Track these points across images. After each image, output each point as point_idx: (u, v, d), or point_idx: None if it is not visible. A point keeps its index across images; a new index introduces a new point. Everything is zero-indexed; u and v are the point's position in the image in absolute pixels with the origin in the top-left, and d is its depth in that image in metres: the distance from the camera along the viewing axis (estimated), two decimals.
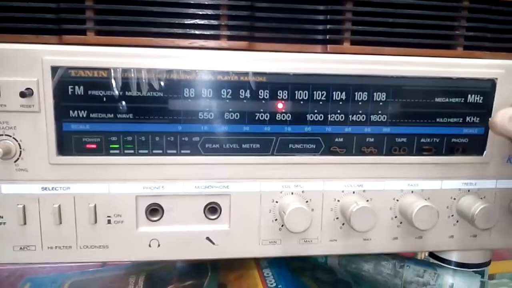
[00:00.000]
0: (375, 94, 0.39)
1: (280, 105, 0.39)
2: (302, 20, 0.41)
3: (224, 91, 0.38)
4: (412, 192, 0.43)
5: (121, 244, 0.40)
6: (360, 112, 0.40)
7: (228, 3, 0.40)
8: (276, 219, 0.41)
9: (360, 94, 0.39)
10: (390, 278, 0.50)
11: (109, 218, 0.39)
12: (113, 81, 0.36)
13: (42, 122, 0.36)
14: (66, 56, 0.36)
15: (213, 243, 0.41)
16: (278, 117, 0.39)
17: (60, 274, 0.50)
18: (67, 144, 0.37)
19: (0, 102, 0.35)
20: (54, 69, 0.35)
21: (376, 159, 0.41)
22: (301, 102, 0.39)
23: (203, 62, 0.37)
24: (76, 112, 0.37)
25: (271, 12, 0.40)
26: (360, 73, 0.39)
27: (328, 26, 0.41)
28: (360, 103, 0.39)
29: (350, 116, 0.40)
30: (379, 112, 0.40)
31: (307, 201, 0.41)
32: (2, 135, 0.36)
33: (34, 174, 0.37)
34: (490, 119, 0.40)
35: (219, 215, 0.41)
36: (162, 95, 0.37)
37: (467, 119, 0.41)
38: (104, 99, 0.37)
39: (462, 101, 0.41)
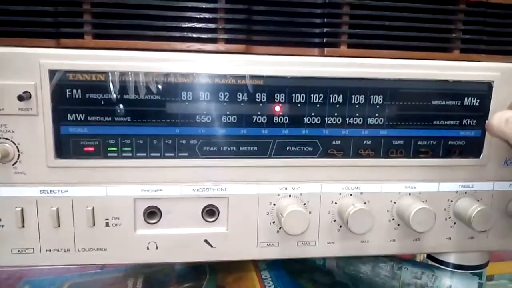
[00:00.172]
0: (372, 97, 0.40)
1: (277, 108, 0.39)
2: (299, 24, 0.41)
3: (221, 94, 0.38)
4: (409, 194, 0.43)
5: (119, 247, 0.40)
6: (357, 114, 0.40)
7: (225, 7, 0.40)
8: (274, 222, 0.41)
9: (357, 97, 0.39)
10: (388, 280, 0.50)
11: (107, 221, 0.39)
12: (110, 84, 0.36)
13: (40, 125, 0.36)
14: (64, 59, 0.36)
15: (211, 246, 0.41)
16: (276, 120, 0.39)
17: (59, 276, 0.50)
18: (65, 147, 0.37)
19: None
20: (52, 73, 0.36)
21: (373, 161, 0.41)
22: (299, 105, 0.39)
23: (201, 66, 0.37)
24: (74, 115, 0.37)
25: (268, 15, 0.41)
26: (357, 76, 0.39)
27: (325, 29, 0.41)
28: (357, 105, 0.40)
29: (347, 119, 0.40)
30: (376, 114, 0.40)
31: (304, 204, 0.41)
32: (0, 138, 0.36)
33: (32, 177, 0.37)
34: (486, 121, 0.40)
35: (217, 218, 0.41)
36: (159, 98, 0.37)
37: (464, 121, 0.41)
38: (102, 102, 0.37)
39: (458, 103, 0.41)
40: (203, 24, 0.40)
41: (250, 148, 0.39)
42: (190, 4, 0.40)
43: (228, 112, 0.38)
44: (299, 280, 0.50)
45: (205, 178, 0.40)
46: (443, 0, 0.43)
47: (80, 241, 0.39)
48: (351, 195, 0.42)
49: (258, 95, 0.38)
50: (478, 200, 0.43)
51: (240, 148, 0.39)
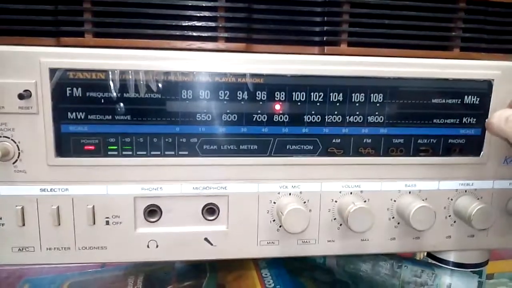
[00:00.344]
0: (372, 95, 0.40)
1: (277, 107, 0.39)
2: (300, 22, 0.41)
3: (221, 93, 0.38)
4: (409, 192, 0.43)
5: (119, 245, 0.40)
6: (357, 113, 0.40)
7: (226, 5, 0.40)
8: (274, 220, 0.42)
9: (357, 95, 0.39)
10: (388, 278, 0.50)
11: (107, 219, 0.39)
12: (111, 83, 0.36)
13: (40, 124, 0.36)
14: (64, 58, 0.36)
15: (211, 244, 0.41)
16: (276, 119, 0.39)
17: (59, 275, 0.50)
18: (65, 145, 0.37)
19: None
20: (52, 71, 0.36)
21: (373, 160, 0.41)
22: (299, 104, 0.39)
23: (201, 64, 0.37)
24: (74, 113, 0.37)
25: (269, 14, 0.41)
26: (357, 75, 0.39)
27: (325, 28, 0.41)
28: (357, 104, 0.40)
29: (348, 117, 0.40)
30: (376, 113, 0.40)
31: (304, 202, 0.41)
32: (1, 136, 0.36)
33: (32, 175, 0.37)
34: (486, 120, 0.40)
35: (217, 216, 0.41)
36: (160, 96, 0.37)
37: (464, 120, 0.41)
38: (102, 100, 0.37)
39: (458, 102, 0.41)
40: (204, 23, 0.40)
41: (250, 147, 0.39)
42: (190, 3, 0.39)
43: (228, 111, 0.38)
44: (299, 278, 0.51)
45: (205, 176, 0.40)
46: None
47: (80, 240, 0.39)
48: (351, 193, 0.42)
49: (258, 94, 0.38)
50: (478, 199, 0.43)
51: (240, 146, 0.39)
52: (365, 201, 0.42)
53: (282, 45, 0.41)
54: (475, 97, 0.41)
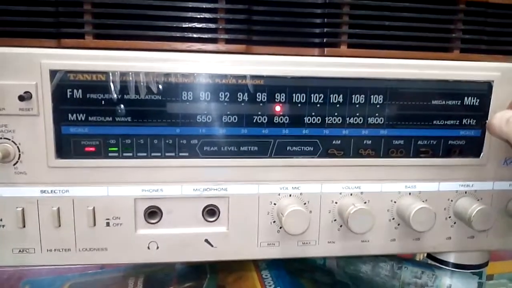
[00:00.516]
0: (372, 96, 0.40)
1: (277, 108, 0.39)
2: (300, 24, 0.41)
3: (222, 94, 0.38)
4: (409, 194, 0.43)
5: (120, 247, 0.40)
6: (358, 114, 0.40)
7: (226, 7, 0.40)
8: (274, 221, 0.42)
9: (357, 97, 0.39)
10: (388, 280, 0.50)
11: (108, 221, 0.39)
12: (111, 85, 0.36)
13: (41, 125, 0.36)
14: (64, 59, 0.36)
15: (211, 245, 0.41)
16: (276, 120, 0.39)
17: (59, 276, 0.50)
18: (66, 147, 0.37)
19: None
20: (53, 73, 0.36)
21: (373, 161, 0.41)
22: (299, 105, 0.39)
23: (201, 65, 0.37)
24: (74, 115, 0.37)
25: (269, 15, 0.41)
26: (357, 76, 0.39)
27: (325, 29, 0.42)
28: (357, 105, 0.40)
29: (348, 119, 0.40)
30: (376, 114, 0.40)
31: (305, 203, 0.41)
32: (1, 138, 0.36)
33: (33, 177, 0.38)
34: (487, 121, 0.41)
35: (217, 218, 0.41)
36: (160, 98, 0.37)
37: (464, 121, 0.41)
38: (103, 102, 0.37)
39: (458, 103, 0.41)
40: (204, 24, 0.40)
41: (250, 148, 0.39)
42: (190, 4, 0.40)
43: (228, 112, 0.38)
44: (300, 279, 0.51)
45: (205, 178, 0.40)
46: (443, 0, 0.43)
47: (80, 241, 0.39)
48: (351, 194, 0.42)
49: (259, 95, 0.38)
50: (478, 200, 0.43)
51: (241, 148, 0.39)
52: (365, 203, 0.42)
53: (282, 47, 0.41)
54: (475, 98, 0.41)
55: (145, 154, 0.38)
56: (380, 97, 0.40)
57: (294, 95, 0.39)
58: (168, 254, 0.41)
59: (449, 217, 0.44)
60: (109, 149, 0.38)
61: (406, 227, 0.42)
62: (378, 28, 0.42)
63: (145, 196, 0.39)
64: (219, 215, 0.41)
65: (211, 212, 0.41)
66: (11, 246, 0.39)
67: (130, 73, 0.36)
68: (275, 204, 0.41)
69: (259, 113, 0.39)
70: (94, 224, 0.39)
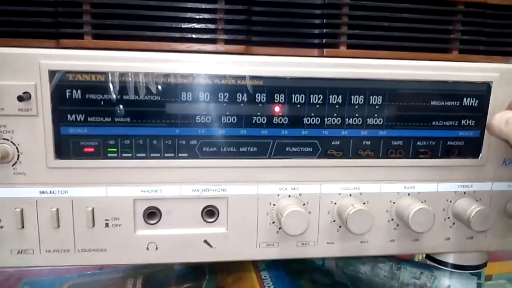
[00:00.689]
0: (371, 97, 0.40)
1: (277, 109, 0.39)
2: (299, 24, 0.41)
3: (221, 95, 0.38)
4: (408, 194, 0.43)
5: (119, 247, 0.40)
6: (357, 115, 0.40)
7: (225, 7, 0.40)
8: (273, 222, 0.42)
9: (356, 98, 0.39)
10: (387, 280, 0.50)
11: (107, 222, 0.39)
12: (110, 85, 0.36)
13: (40, 126, 0.36)
14: (63, 60, 0.36)
15: (210, 246, 0.41)
16: (275, 121, 0.39)
17: (58, 277, 0.50)
18: (65, 147, 0.37)
19: None
20: (52, 73, 0.36)
21: (372, 162, 0.41)
22: (298, 106, 0.39)
23: (200, 66, 0.37)
24: (73, 115, 0.37)
25: (268, 16, 0.41)
26: (356, 77, 0.39)
27: (324, 30, 0.42)
28: (356, 106, 0.40)
29: (347, 120, 0.40)
30: (375, 115, 0.40)
31: (304, 204, 0.41)
32: (0, 138, 0.36)
33: (32, 177, 0.37)
34: (487, 122, 0.41)
35: (216, 218, 0.41)
36: (159, 98, 0.37)
37: (463, 122, 0.42)
38: (102, 102, 0.37)
39: (457, 104, 0.41)
40: (203, 25, 0.40)
41: (249, 149, 0.39)
42: (189, 5, 0.40)
43: (227, 113, 0.38)
44: (299, 280, 0.51)
45: (204, 178, 0.40)
46: (442, 1, 0.43)
47: (80, 242, 0.39)
48: (350, 195, 0.42)
49: (258, 96, 0.38)
50: (477, 200, 0.43)
51: (240, 148, 0.39)
52: (364, 203, 0.42)
53: (282, 47, 0.42)
54: (474, 99, 0.41)
55: (144, 154, 0.38)
56: (379, 98, 0.40)
57: (293, 95, 0.39)
58: (167, 255, 0.41)
59: (448, 217, 0.44)
60: (108, 149, 0.38)
61: (405, 227, 0.42)
62: (377, 29, 0.42)
63: (144, 196, 0.39)
64: (218, 215, 0.41)
65: (210, 212, 0.41)
66: (10, 246, 0.39)
67: (129, 74, 0.36)
68: (274, 204, 0.41)
69: (258, 113, 0.39)
70: (93, 225, 0.39)
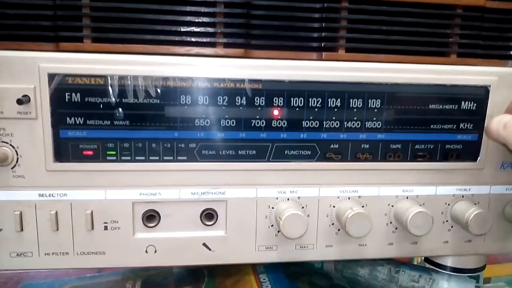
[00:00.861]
0: (369, 101, 0.40)
1: (276, 112, 0.39)
2: (298, 28, 0.42)
3: (220, 98, 0.38)
4: (407, 198, 0.43)
5: (118, 250, 0.40)
6: (355, 118, 0.40)
7: (224, 11, 0.40)
8: (272, 225, 0.42)
9: (355, 101, 0.40)
10: (385, 283, 0.50)
11: (105, 225, 0.39)
12: (109, 88, 0.36)
13: (39, 129, 0.36)
14: (63, 63, 0.36)
15: (209, 249, 0.41)
16: (274, 124, 0.39)
17: (57, 280, 0.50)
18: (64, 150, 0.37)
19: None
20: (51, 76, 0.36)
21: (371, 165, 0.41)
22: (297, 109, 0.39)
23: (200, 69, 0.37)
24: (73, 119, 0.37)
25: (267, 19, 0.41)
26: (355, 80, 0.39)
27: (323, 34, 0.42)
28: (355, 110, 0.40)
29: (345, 123, 0.40)
30: (374, 118, 0.40)
31: (303, 207, 0.41)
32: None
33: (31, 180, 0.37)
34: (485, 125, 0.41)
35: (215, 221, 0.41)
36: (158, 102, 0.37)
37: (461, 125, 0.42)
38: (101, 106, 0.37)
39: (456, 107, 0.41)
40: (202, 28, 0.40)
41: (248, 152, 0.39)
42: (189, 8, 0.40)
43: (226, 116, 0.38)
44: (297, 283, 0.51)
45: (203, 181, 0.40)
46: (440, 4, 0.43)
47: (78, 245, 0.39)
48: (349, 198, 0.42)
49: (257, 99, 0.38)
50: (475, 204, 0.43)
51: (239, 152, 0.39)
52: (363, 206, 0.42)
53: (281, 51, 0.42)
54: (472, 102, 0.41)
55: (143, 158, 0.38)
56: (378, 101, 0.40)
57: (292, 99, 0.39)
58: (166, 257, 0.41)
59: (446, 221, 0.44)
60: (107, 152, 0.38)
61: (403, 231, 0.42)
62: (375, 32, 0.42)
63: (143, 199, 0.39)
64: (217, 219, 0.41)
65: (209, 216, 0.41)
66: (8, 249, 0.39)
67: (129, 77, 0.36)
68: (273, 208, 0.41)
69: (257, 117, 0.39)
70: (92, 228, 0.39)
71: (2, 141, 0.36)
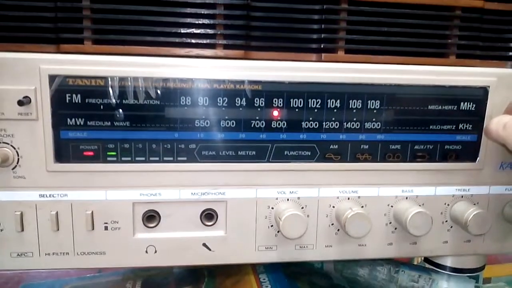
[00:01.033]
0: (369, 102, 0.40)
1: (275, 113, 0.39)
2: (297, 29, 0.42)
3: (220, 99, 0.38)
4: (406, 198, 0.43)
5: (118, 251, 0.40)
6: (355, 119, 0.40)
7: (224, 13, 0.40)
8: (272, 225, 0.42)
9: (354, 102, 0.40)
10: (385, 283, 0.50)
11: (106, 225, 0.39)
12: (110, 90, 0.37)
13: (39, 130, 0.37)
14: (63, 64, 0.36)
15: (209, 249, 0.41)
16: (274, 125, 0.39)
17: (57, 280, 0.50)
18: (65, 151, 0.37)
19: None
20: (52, 78, 0.36)
21: (370, 165, 0.42)
22: (296, 110, 0.39)
23: (200, 71, 0.37)
24: (73, 120, 0.37)
25: (267, 21, 0.41)
26: (354, 81, 0.39)
27: (322, 35, 0.42)
28: (354, 110, 0.40)
29: (345, 124, 0.40)
30: (373, 119, 0.40)
31: (302, 208, 0.42)
32: (0, 142, 0.37)
33: (31, 181, 0.38)
34: (484, 126, 0.41)
35: (215, 222, 0.41)
36: (158, 103, 0.37)
37: (460, 126, 0.42)
38: (101, 107, 0.37)
39: (455, 108, 0.41)
40: (202, 30, 0.41)
41: (248, 153, 0.40)
42: (189, 10, 0.40)
43: (226, 117, 0.39)
44: (297, 283, 0.51)
45: (203, 182, 0.40)
46: (439, 6, 0.43)
47: (79, 245, 0.40)
48: (348, 199, 0.42)
49: (257, 100, 0.39)
50: (474, 204, 0.43)
51: (239, 152, 0.39)
52: (362, 207, 0.42)
53: (280, 52, 0.42)
54: (471, 103, 0.41)
55: (143, 158, 0.38)
56: (377, 102, 0.40)
57: (291, 100, 0.39)
58: (166, 258, 0.41)
59: (446, 221, 0.44)
60: (108, 153, 0.38)
61: (403, 231, 0.42)
62: (375, 34, 0.43)
63: (143, 200, 0.40)
64: (217, 219, 0.41)
65: (209, 216, 0.41)
66: (9, 249, 0.39)
67: (129, 78, 0.37)
68: (272, 208, 0.41)
69: (257, 118, 0.39)
70: (93, 228, 0.39)
71: (3, 142, 0.37)
